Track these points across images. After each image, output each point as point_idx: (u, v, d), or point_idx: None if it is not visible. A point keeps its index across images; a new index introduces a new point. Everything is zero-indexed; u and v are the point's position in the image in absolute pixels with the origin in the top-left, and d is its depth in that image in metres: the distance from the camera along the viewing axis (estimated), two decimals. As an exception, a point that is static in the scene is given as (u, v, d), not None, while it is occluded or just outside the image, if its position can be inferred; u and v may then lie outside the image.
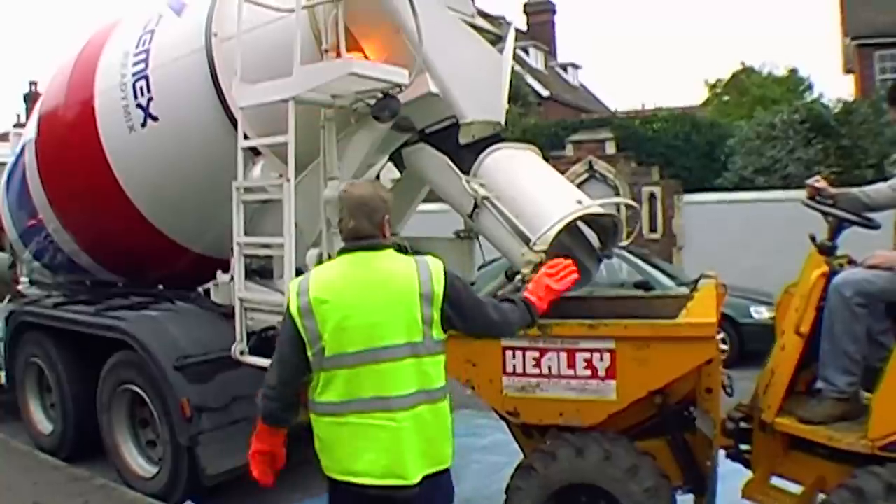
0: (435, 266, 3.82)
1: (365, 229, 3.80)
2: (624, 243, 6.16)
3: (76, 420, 7.96)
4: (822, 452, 4.87)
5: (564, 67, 46.67)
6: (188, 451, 6.50)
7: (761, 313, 13.05)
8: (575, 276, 4.40)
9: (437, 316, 3.75)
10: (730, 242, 17.38)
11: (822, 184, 5.33)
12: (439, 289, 3.75)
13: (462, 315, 3.85)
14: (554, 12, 46.50)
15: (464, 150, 5.85)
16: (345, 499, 3.80)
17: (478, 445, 8.04)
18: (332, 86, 5.42)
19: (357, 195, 3.92)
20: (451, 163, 5.75)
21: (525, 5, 45.55)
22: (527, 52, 40.32)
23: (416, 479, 3.65)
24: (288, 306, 3.78)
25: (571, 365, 5.12)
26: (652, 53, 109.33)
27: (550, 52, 44.96)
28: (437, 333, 3.77)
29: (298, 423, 4.04)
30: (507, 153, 5.83)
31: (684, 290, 6.87)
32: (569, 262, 4.46)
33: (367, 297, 3.69)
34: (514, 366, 5.27)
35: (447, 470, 3.87)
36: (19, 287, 9.85)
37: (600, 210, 5.72)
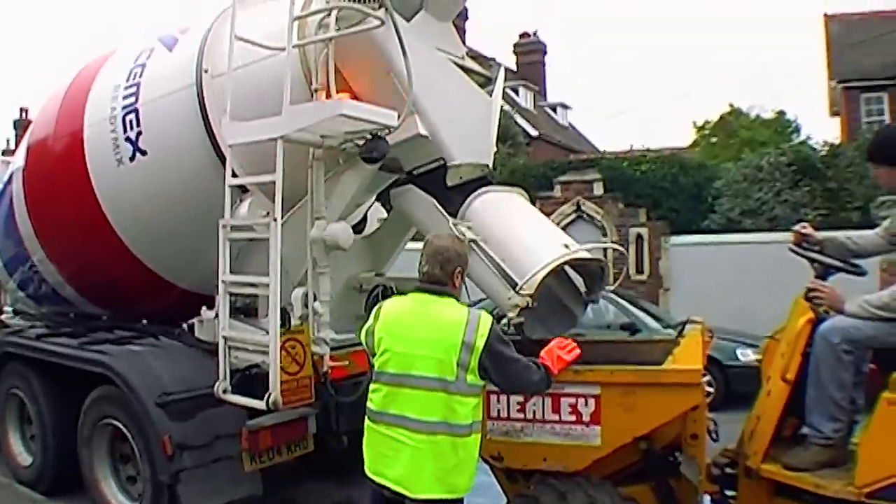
0: (484, 320, 4.32)
1: (436, 276, 4.46)
2: (610, 287, 6.17)
3: (56, 453, 7.84)
4: (808, 499, 4.85)
5: (554, 108, 46.80)
6: (169, 489, 6.40)
7: (748, 355, 13.04)
8: (578, 351, 4.81)
9: (474, 363, 4.26)
10: (716, 284, 17.43)
11: (808, 230, 5.36)
12: (481, 342, 4.25)
13: (498, 370, 4.36)
14: (544, 52, 46.66)
15: (451, 191, 5.87)
16: (373, 491, 4.49)
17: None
18: (322, 126, 5.45)
19: (436, 245, 4.56)
20: (438, 205, 5.76)
21: (515, 45, 45.72)
22: (516, 91, 40.44)
23: (423, 496, 4.24)
24: (365, 325, 4.63)
25: (556, 410, 5.12)
26: (642, 95, 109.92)
27: (540, 92, 45.11)
28: (473, 378, 4.30)
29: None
30: (495, 196, 5.86)
31: (671, 335, 6.86)
32: (571, 342, 4.88)
33: (414, 332, 4.36)
34: (499, 410, 5.28)
35: (460, 500, 4.41)
36: (2, 317, 9.80)
37: (587, 255, 5.73)
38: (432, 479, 4.26)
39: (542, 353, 4.75)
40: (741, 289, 16.99)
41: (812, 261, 5.24)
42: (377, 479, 4.44)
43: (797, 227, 5.43)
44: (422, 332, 4.35)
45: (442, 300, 4.45)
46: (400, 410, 4.33)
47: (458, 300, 4.52)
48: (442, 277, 4.47)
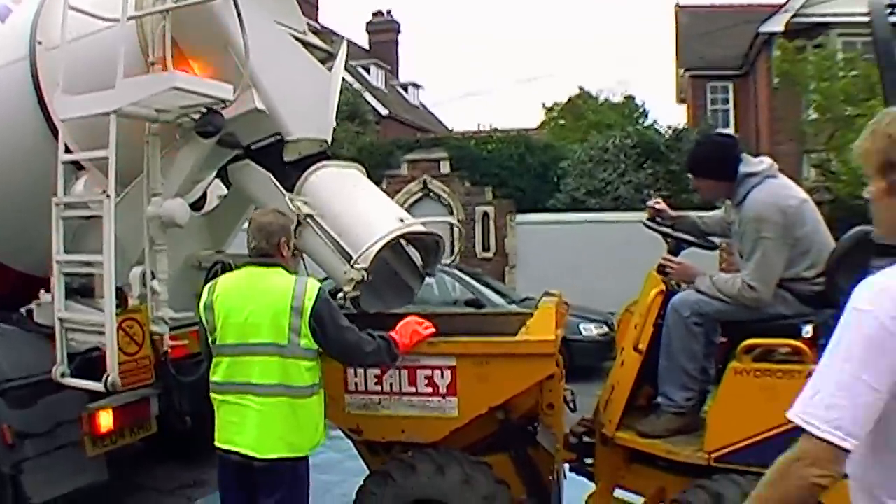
0: (311, 285, 4.54)
1: (263, 249, 4.66)
2: (447, 261, 6.25)
3: None
4: (661, 465, 5.03)
5: (405, 87, 46.83)
6: (12, 480, 6.13)
7: (590, 330, 13.44)
8: (433, 330, 5.02)
9: (304, 328, 4.47)
10: (561, 261, 17.83)
11: (662, 205, 5.51)
12: (308, 304, 4.45)
13: (325, 334, 4.53)
14: (398, 32, 46.51)
15: (289, 167, 5.86)
16: (223, 464, 4.70)
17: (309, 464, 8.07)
18: (156, 100, 5.35)
19: (259, 221, 4.75)
20: (274, 180, 5.72)
21: (368, 24, 45.41)
22: (368, 70, 40.33)
23: (270, 456, 4.45)
24: (201, 302, 4.75)
25: (413, 382, 5.20)
26: (494, 76, 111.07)
27: (392, 72, 45.07)
28: (307, 342, 4.51)
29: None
30: (332, 171, 5.87)
31: (525, 308, 6.97)
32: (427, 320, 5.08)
33: (247, 302, 4.54)
34: (356, 383, 5.33)
35: (305, 458, 4.66)
36: None
37: (422, 229, 5.81)
38: (277, 439, 4.48)
39: (398, 326, 4.91)
40: (585, 266, 17.45)
41: (665, 235, 5.38)
42: (224, 447, 4.61)
43: (651, 203, 5.58)
44: (254, 302, 4.53)
45: (271, 270, 4.65)
46: (244, 378, 4.53)
47: (287, 270, 4.71)
48: (269, 250, 4.67)
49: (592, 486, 5.54)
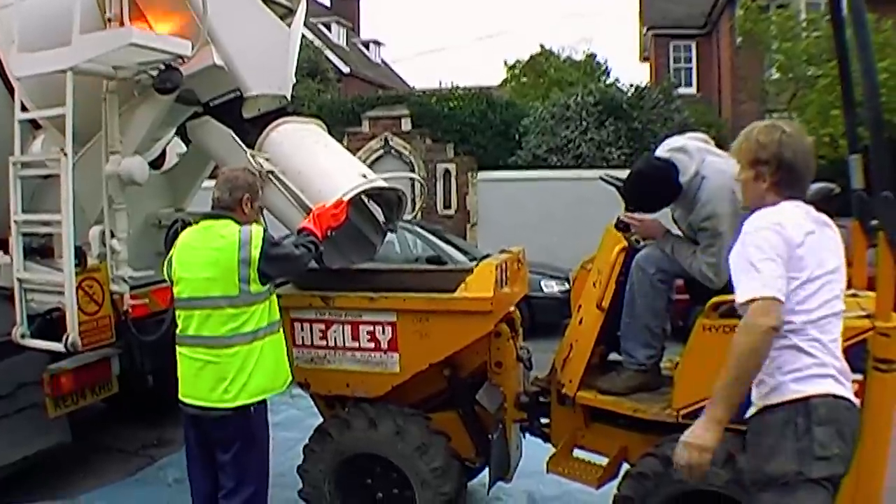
0: (256, 233, 4.56)
1: (224, 201, 4.71)
2: (408, 217, 6.24)
3: None
4: (623, 423, 4.99)
5: (367, 44, 46.54)
6: None
7: (551, 287, 13.47)
8: (344, 215, 5.11)
9: (254, 274, 4.50)
10: (523, 218, 17.86)
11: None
12: (256, 253, 4.49)
13: (275, 269, 4.65)
14: (359, -11, 46.29)
15: (249, 123, 5.83)
16: (185, 418, 4.77)
17: (271, 422, 8.04)
18: (113, 56, 5.28)
19: (227, 174, 4.83)
20: (235, 136, 5.68)
21: (328, -20, 45.09)
22: (329, 27, 40.03)
23: (223, 405, 4.52)
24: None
25: (356, 337, 5.23)
26: (455, 34, 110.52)
27: (353, 29, 44.76)
28: (256, 288, 4.55)
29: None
30: (293, 127, 5.81)
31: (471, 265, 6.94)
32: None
33: (197, 257, 4.60)
34: (303, 338, 5.38)
35: (262, 409, 4.71)
36: None
37: (384, 184, 5.79)
38: (232, 388, 4.53)
39: (313, 214, 5.01)
40: (546, 223, 17.47)
41: (621, 191, 5.18)
42: (189, 402, 4.66)
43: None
44: (204, 256, 4.59)
45: (220, 223, 4.68)
46: (196, 331, 4.58)
47: (237, 221, 4.68)
48: (230, 203, 4.71)
49: (551, 449, 5.48)
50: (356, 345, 5.24)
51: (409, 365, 5.15)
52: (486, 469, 5.51)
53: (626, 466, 5.00)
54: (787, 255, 3.22)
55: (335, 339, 5.28)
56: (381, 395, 5.26)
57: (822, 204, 4.17)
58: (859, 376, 3.94)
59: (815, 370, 3.25)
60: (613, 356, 5.37)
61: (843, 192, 4.55)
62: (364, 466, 5.36)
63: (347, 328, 5.24)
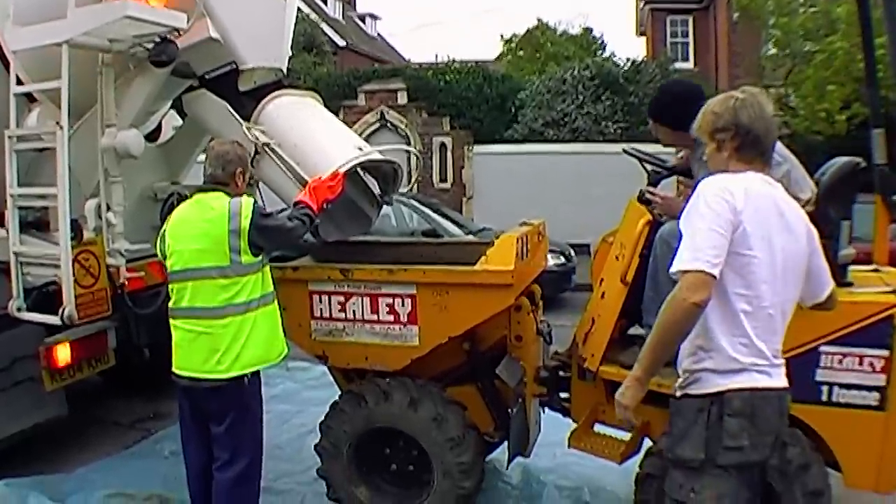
0: (245, 204, 4.61)
1: (218, 176, 4.81)
2: (404, 190, 6.22)
3: None
4: (646, 398, 4.92)
5: (363, 18, 46.42)
6: None
7: (548, 261, 13.44)
8: (340, 188, 5.10)
9: (244, 245, 4.57)
10: (519, 192, 17.87)
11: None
12: (246, 223, 4.55)
13: (266, 240, 4.66)
14: (355, -38, 46.09)
15: (245, 96, 5.80)
16: (179, 390, 4.83)
17: (267, 395, 8.14)
18: (108, 29, 5.24)
19: (217, 149, 4.89)
20: (231, 109, 5.66)
21: (324, -47, 44.84)
22: (325, 1, 39.89)
23: (217, 375, 4.58)
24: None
25: (375, 310, 5.23)
26: (452, 7, 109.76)
27: (349, 2, 44.61)
28: (247, 258, 4.62)
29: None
30: (288, 100, 5.78)
31: (484, 239, 6.80)
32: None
33: (189, 229, 4.68)
34: (322, 310, 5.37)
35: (255, 380, 4.80)
36: None
37: (380, 157, 5.78)
38: (231, 359, 4.59)
39: (309, 187, 5.01)
40: (542, 197, 17.43)
41: (644, 162, 5.33)
42: (182, 374, 4.71)
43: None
44: (196, 228, 4.67)
45: (211, 195, 4.77)
46: (190, 303, 4.65)
47: (228, 194, 4.76)
48: (224, 178, 4.82)
49: (571, 424, 5.43)
50: (375, 317, 5.23)
51: (429, 338, 5.13)
52: (505, 443, 5.48)
53: (648, 443, 5.00)
54: (731, 227, 3.20)
55: (354, 311, 5.27)
56: (400, 368, 5.25)
57: (849, 177, 4.22)
58: (883, 352, 4.06)
59: (738, 363, 3.29)
60: (634, 330, 5.34)
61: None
62: (382, 441, 5.38)
63: (366, 301, 5.22)
